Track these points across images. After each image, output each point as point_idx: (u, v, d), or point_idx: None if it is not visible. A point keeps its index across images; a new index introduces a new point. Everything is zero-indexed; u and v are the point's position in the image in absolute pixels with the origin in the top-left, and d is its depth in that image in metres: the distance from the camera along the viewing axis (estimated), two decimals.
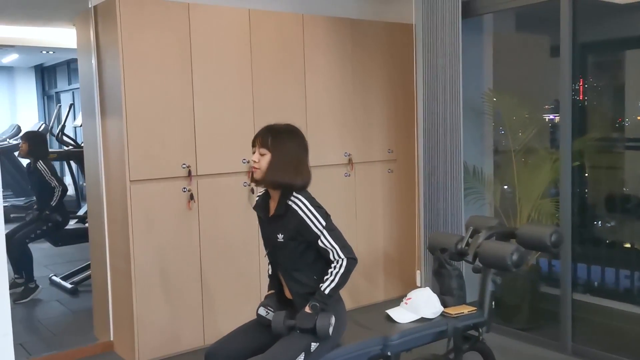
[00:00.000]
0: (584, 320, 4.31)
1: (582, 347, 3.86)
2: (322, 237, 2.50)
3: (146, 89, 3.73)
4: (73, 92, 9.79)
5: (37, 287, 5.27)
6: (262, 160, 2.52)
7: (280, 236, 2.55)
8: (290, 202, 2.52)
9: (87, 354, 3.99)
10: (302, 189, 2.57)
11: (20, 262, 5.23)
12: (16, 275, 5.27)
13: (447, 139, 4.36)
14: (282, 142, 2.53)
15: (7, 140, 9.08)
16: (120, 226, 3.82)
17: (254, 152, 2.57)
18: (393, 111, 4.92)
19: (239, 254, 4.16)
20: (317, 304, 2.47)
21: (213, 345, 2.60)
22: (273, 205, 2.61)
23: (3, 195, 2.56)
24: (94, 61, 3.94)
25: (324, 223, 2.50)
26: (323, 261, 2.56)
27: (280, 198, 2.55)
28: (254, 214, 4.15)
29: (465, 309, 2.98)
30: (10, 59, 9.50)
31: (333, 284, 2.49)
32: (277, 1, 4.44)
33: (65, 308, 5.02)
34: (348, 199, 4.64)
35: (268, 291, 2.78)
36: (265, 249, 2.69)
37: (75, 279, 5.46)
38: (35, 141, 5.53)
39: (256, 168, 2.54)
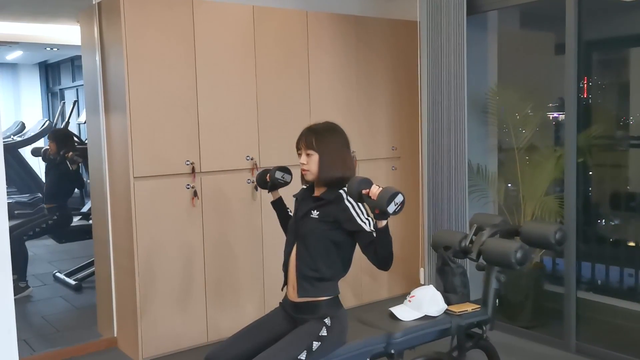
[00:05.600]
0: (588, 318, 4.31)
1: (586, 345, 3.85)
2: (365, 227, 2.50)
3: (150, 86, 3.73)
4: (77, 89, 9.79)
5: (27, 287, 5.23)
6: (311, 161, 2.58)
7: (315, 212, 2.57)
8: (342, 192, 2.56)
9: (90, 350, 4.00)
10: None
11: (15, 259, 5.24)
12: None
13: (451, 137, 4.36)
14: (326, 140, 2.59)
15: (12, 137, 9.09)
16: (124, 223, 3.83)
17: (300, 155, 2.62)
18: (397, 108, 4.91)
19: (243, 251, 4.16)
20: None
21: (213, 349, 2.59)
22: (319, 192, 2.64)
23: (7, 192, 2.56)
24: (98, 58, 3.94)
25: (372, 227, 2.50)
26: (339, 260, 2.58)
27: (329, 189, 2.60)
28: (258, 211, 4.19)
29: (469, 307, 2.97)
30: (14, 55, 9.51)
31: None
32: None
33: (69, 304, 5.03)
34: None
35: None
36: (289, 225, 2.71)
37: (79, 275, 5.48)
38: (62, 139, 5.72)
39: (306, 170, 2.60)
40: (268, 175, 2.94)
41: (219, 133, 4.01)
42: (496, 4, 4.34)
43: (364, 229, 2.50)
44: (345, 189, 2.56)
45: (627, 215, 4.90)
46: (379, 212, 2.39)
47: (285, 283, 2.68)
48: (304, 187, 2.75)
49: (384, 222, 2.43)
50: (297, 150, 2.64)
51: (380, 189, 2.42)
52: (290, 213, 2.91)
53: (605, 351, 3.77)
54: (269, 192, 2.98)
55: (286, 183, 2.95)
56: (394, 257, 2.49)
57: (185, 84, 3.87)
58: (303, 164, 2.60)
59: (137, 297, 3.75)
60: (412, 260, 5.07)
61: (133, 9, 3.65)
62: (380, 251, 2.45)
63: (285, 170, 2.94)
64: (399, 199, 2.40)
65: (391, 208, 2.38)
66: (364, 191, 2.45)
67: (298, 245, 2.60)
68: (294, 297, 2.60)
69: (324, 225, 2.55)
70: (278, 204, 2.95)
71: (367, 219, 2.53)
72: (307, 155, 2.59)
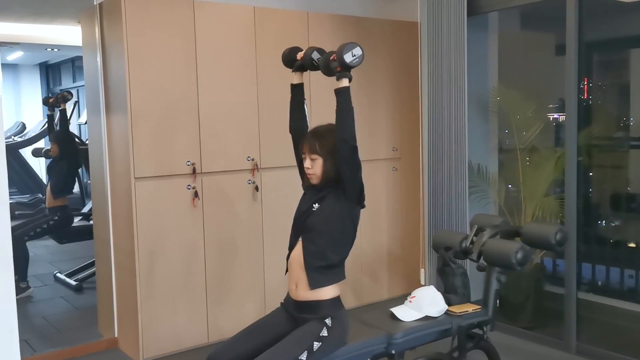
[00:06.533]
0: (589, 319, 4.31)
1: (586, 346, 3.85)
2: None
3: (151, 86, 3.74)
4: (78, 90, 9.79)
5: (28, 287, 5.22)
6: (315, 165, 2.58)
7: (315, 206, 2.59)
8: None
9: (91, 351, 4.00)
10: None
11: (16, 259, 5.25)
12: None
13: (452, 137, 4.36)
14: (329, 143, 2.58)
15: (12, 137, 9.09)
16: (124, 223, 3.83)
17: (304, 159, 2.62)
18: (398, 109, 4.92)
19: (244, 252, 4.16)
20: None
21: (214, 349, 2.59)
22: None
23: (8, 192, 2.57)
24: (99, 58, 3.94)
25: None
26: (345, 238, 2.60)
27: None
28: (259, 212, 4.20)
29: (469, 308, 2.98)
30: (15, 56, 9.50)
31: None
32: None
33: (69, 305, 5.03)
34: None
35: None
36: (294, 221, 2.70)
37: (80, 275, 5.47)
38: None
39: (311, 174, 2.61)
40: (301, 53, 2.77)
41: (219, 134, 4.01)
42: (497, 5, 4.34)
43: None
44: None
45: (627, 216, 4.90)
46: (340, 67, 2.46)
47: (287, 269, 2.68)
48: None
49: (345, 82, 2.49)
50: (301, 154, 2.65)
51: None
52: (306, 106, 2.86)
53: (606, 352, 3.77)
54: (294, 71, 2.82)
55: (319, 67, 2.73)
56: (354, 132, 2.50)
57: (186, 84, 3.88)
58: (308, 168, 2.61)
59: (137, 298, 3.75)
60: (413, 261, 5.07)
61: (134, 10, 3.65)
62: (339, 116, 2.48)
63: (322, 53, 2.72)
64: (358, 51, 2.48)
65: (348, 57, 2.45)
66: (331, 58, 2.52)
67: (304, 240, 2.60)
68: (296, 295, 2.61)
69: (325, 217, 2.56)
70: (298, 89, 2.84)
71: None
72: (312, 159, 2.59)
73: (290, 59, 2.83)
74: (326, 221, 2.56)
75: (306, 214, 2.61)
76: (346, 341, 2.62)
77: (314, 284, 2.55)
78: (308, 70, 2.81)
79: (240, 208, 4.14)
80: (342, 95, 2.50)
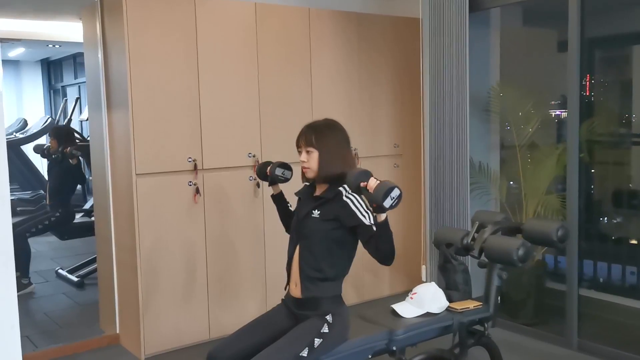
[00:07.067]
0: (590, 316, 4.31)
1: (587, 343, 3.85)
2: (365, 220, 2.49)
3: (152, 83, 3.73)
4: (79, 86, 9.79)
5: (30, 284, 5.24)
6: (311, 159, 2.58)
7: (316, 212, 2.57)
8: (341, 189, 2.56)
9: (93, 347, 4.01)
10: None
11: (17, 256, 5.27)
12: None
13: (453, 134, 4.35)
14: (326, 137, 2.58)
15: (14, 134, 9.09)
16: (126, 220, 3.83)
17: (300, 153, 2.62)
18: (399, 106, 4.91)
19: (245, 248, 4.17)
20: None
21: (215, 346, 2.59)
22: (320, 191, 2.65)
23: (10, 189, 2.57)
24: (100, 55, 3.94)
25: (372, 220, 2.50)
26: (342, 259, 2.59)
27: (330, 187, 2.60)
28: (260, 208, 4.19)
29: (470, 304, 2.98)
30: (16, 52, 9.51)
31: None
32: None
33: (71, 301, 5.04)
34: None
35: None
36: (292, 226, 2.71)
37: (82, 272, 5.48)
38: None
39: (306, 168, 2.60)
40: (268, 169, 2.95)
41: (221, 130, 4.01)
42: (498, 1, 4.33)
43: (364, 222, 2.49)
44: (345, 185, 2.57)
45: (629, 213, 4.89)
46: (376, 206, 2.39)
47: (288, 282, 2.68)
48: (306, 184, 2.75)
49: (383, 216, 2.42)
50: (297, 148, 2.65)
51: (378, 182, 2.41)
52: (290, 208, 2.93)
53: (607, 349, 3.77)
54: (269, 185, 2.99)
55: (286, 179, 2.95)
56: (395, 254, 2.48)
57: (188, 81, 3.87)
58: (303, 161, 2.60)
59: (139, 294, 3.76)
60: (414, 258, 5.07)
61: (135, 6, 3.65)
62: (381, 246, 2.44)
63: (286, 166, 2.94)
64: (395, 193, 2.38)
65: (387, 202, 2.37)
66: (362, 184, 2.45)
67: (301, 246, 2.60)
68: (296, 293, 2.61)
69: (325, 225, 2.55)
70: (278, 198, 2.96)
71: (366, 212, 2.52)
72: (307, 152, 2.59)
73: (262, 174, 3.00)
74: (324, 230, 2.54)
75: (305, 219, 2.60)
76: (347, 337, 2.62)
77: (305, 292, 2.56)
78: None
79: (242, 204, 4.14)
80: (383, 227, 2.43)
